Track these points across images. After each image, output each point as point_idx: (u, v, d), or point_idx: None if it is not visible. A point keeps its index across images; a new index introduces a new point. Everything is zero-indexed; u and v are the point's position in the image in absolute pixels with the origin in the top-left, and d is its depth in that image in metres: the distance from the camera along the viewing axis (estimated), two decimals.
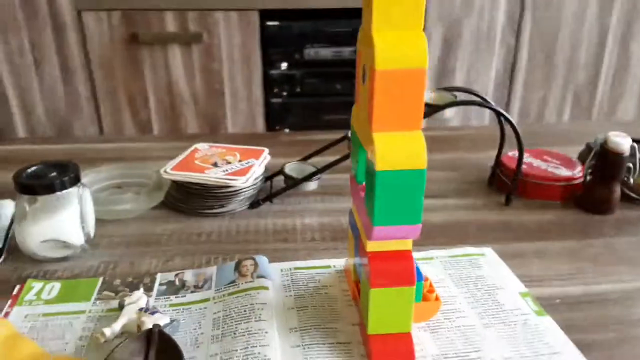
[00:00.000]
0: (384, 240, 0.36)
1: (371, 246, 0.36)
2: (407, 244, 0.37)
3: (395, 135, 0.33)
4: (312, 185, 0.62)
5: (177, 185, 0.59)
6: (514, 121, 0.57)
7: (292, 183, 0.60)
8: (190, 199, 0.58)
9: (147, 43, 1.59)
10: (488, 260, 0.50)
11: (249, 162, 0.60)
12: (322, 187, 0.64)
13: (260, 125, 1.75)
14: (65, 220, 0.48)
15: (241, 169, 0.58)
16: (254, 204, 0.60)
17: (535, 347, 0.39)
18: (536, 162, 0.65)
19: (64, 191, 0.47)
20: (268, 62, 1.68)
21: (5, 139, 1.67)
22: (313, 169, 0.61)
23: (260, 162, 0.61)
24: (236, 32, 1.62)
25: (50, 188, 0.47)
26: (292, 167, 0.62)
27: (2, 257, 0.49)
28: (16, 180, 0.47)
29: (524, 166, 0.63)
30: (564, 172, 0.62)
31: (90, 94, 1.64)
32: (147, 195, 0.58)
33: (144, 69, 1.62)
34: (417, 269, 0.40)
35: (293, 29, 1.65)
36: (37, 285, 0.46)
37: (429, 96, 0.61)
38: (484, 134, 0.84)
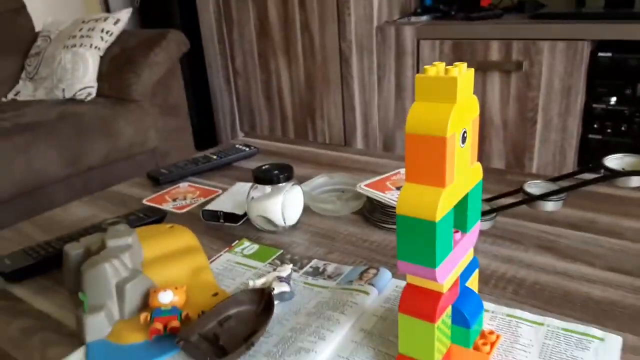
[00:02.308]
0: (415, 276, 0.41)
1: (411, 279, 0.42)
2: (440, 287, 0.41)
3: (419, 188, 0.39)
4: (485, 225, 0.65)
5: (369, 199, 0.72)
6: None
7: None
8: (373, 212, 0.70)
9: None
10: (602, 347, 0.45)
11: None
12: (496, 229, 0.66)
13: (570, 159, 1.65)
14: (272, 205, 0.68)
15: None
16: None
17: None
18: None
19: (275, 185, 0.68)
20: (593, 95, 1.55)
21: (347, 144, 2.09)
22: (487, 208, 0.64)
23: None
24: (560, 61, 1.57)
25: (267, 181, 0.68)
26: None
27: (242, 221, 0.74)
28: (253, 172, 0.69)
29: None
30: None
31: None
32: (346, 202, 0.73)
33: None
34: (474, 318, 0.43)
35: (629, 62, 1.48)
36: (246, 243, 0.68)
37: (623, 161, 0.55)
38: None
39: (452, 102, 0.37)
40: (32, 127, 1.51)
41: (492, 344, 0.44)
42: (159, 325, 0.49)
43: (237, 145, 1.04)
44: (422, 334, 0.41)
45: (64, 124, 1.58)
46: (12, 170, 1.43)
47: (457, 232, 0.43)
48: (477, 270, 0.48)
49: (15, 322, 0.55)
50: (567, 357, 0.44)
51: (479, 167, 0.44)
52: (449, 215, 0.39)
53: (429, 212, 0.38)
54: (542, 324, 0.49)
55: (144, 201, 0.84)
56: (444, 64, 0.39)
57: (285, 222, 0.69)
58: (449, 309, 0.43)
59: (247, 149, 1.01)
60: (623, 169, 0.55)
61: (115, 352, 0.48)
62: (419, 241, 0.39)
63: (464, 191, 0.41)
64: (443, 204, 0.38)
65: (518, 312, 0.51)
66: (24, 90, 1.91)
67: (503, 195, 0.66)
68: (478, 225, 0.45)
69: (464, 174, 0.41)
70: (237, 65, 2.33)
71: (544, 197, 0.58)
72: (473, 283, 0.47)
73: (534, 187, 0.61)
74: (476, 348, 0.44)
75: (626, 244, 0.62)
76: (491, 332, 0.45)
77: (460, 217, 0.43)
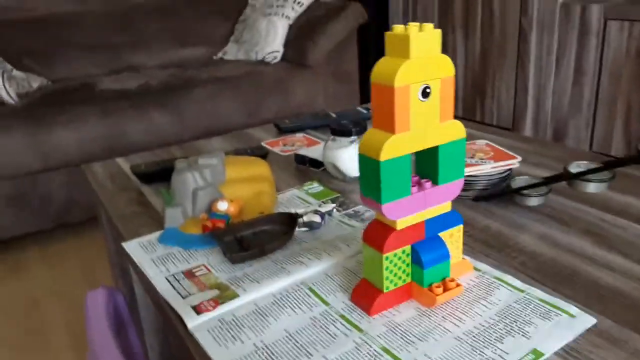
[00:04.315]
0: (377, 213, 0.47)
1: (378, 216, 0.48)
2: (393, 224, 0.46)
3: (377, 132, 0.44)
4: (534, 200, 0.64)
5: None
6: None
7: (503, 190, 0.65)
8: None
9: None
10: (566, 322, 0.45)
11: (487, 162, 0.69)
12: (549, 208, 0.64)
13: None
14: (341, 154, 0.77)
15: (468, 164, 0.69)
16: (478, 198, 0.69)
17: None
18: None
19: (347, 137, 0.76)
20: None
21: (515, 128, 1.99)
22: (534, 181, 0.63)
23: (497, 165, 0.68)
24: None
25: (339, 133, 0.77)
26: (521, 180, 0.66)
27: (323, 168, 0.84)
28: (331, 127, 0.79)
29: None
30: None
31: (592, 98, 1.71)
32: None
33: None
34: (431, 262, 0.47)
35: None
36: (315, 184, 0.78)
37: None
38: None
39: (406, 57, 0.42)
40: (222, 80, 1.82)
41: (447, 290, 0.48)
42: (209, 224, 0.64)
43: (358, 108, 1.13)
44: (375, 263, 0.48)
45: (247, 81, 1.85)
46: (201, 113, 1.76)
47: (427, 181, 0.47)
48: (460, 227, 0.51)
49: (131, 207, 0.76)
50: (522, 320, 0.46)
51: (456, 126, 0.47)
52: (401, 160, 0.44)
53: (376, 152, 0.43)
54: (522, 291, 0.50)
55: (262, 143, 1.00)
56: (417, 24, 0.43)
57: (351, 172, 0.78)
58: (407, 248, 0.48)
59: (366, 111, 1.10)
60: None
61: (179, 236, 0.64)
62: (371, 177, 0.45)
63: (426, 143, 0.45)
64: (390, 147, 0.43)
65: (508, 278, 0.52)
66: (231, 51, 2.26)
67: (553, 177, 0.64)
68: (456, 183, 0.48)
69: (428, 127, 0.45)
70: None
71: (579, 176, 0.56)
72: (453, 237, 0.51)
73: (575, 167, 0.58)
74: (431, 290, 0.48)
75: None
76: (452, 280, 0.48)
77: (430, 168, 0.47)
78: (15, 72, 1.77)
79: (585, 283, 0.51)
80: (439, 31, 0.43)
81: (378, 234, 0.47)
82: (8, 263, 1.64)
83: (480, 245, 0.59)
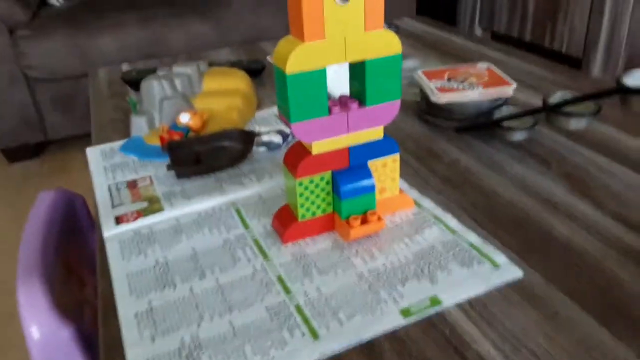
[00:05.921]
0: (297, 135, 0.43)
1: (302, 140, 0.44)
2: (309, 147, 0.42)
3: (291, 40, 0.39)
4: (517, 134, 0.57)
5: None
6: None
7: (483, 122, 0.58)
8: (420, 101, 0.67)
9: None
10: (486, 270, 0.40)
11: (476, 87, 0.61)
12: (535, 144, 0.57)
13: None
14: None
15: (453, 88, 0.61)
16: (459, 129, 0.62)
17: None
18: None
19: None
20: None
21: (585, 56, 1.78)
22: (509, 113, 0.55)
23: (485, 92, 0.60)
24: None
25: None
26: (506, 110, 0.58)
27: None
28: None
29: None
30: None
31: None
32: (404, 87, 0.71)
33: None
34: (350, 192, 0.43)
35: None
36: None
37: None
38: None
39: None
40: None
41: (366, 222, 0.43)
42: (165, 135, 0.62)
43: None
44: (292, 187, 0.44)
45: None
46: (240, 24, 1.71)
47: (354, 102, 0.42)
48: (395, 156, 0.45)
49: (113, 114, 0.75)
50: (438, 264, 0.41)
51: (388, 38, 0.40)
52: (314, 74, 0.39)
53: (284, 63, 0.39)
54: (454, 232, 0.45)
55: (268, 57, 0.96)
56: None
57: (333, 91, 0.72)
58: (327, 175, 0.44)
59: (387, 26, 1.01)
60: None
61: (140, 146, 0.63)
62: (282, 92, 0.40)
63: (347, 56, 0.39)
64: (298, 58, 0.38)
65: (447, 217, 0.47)
66: None
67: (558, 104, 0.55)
68: (390, 105, 0.43)
69: (350, 37, 0.39)
70: None
71: (556, 108, 0.48)
72: (387, 167, 0.46)
73: (559, 98, 0.50)
74: (348, 222, 0.44)
75: None
76: (374, 214, 0.44)
77: (359, 87, 0.42)
78: None
79: (533, 232, 0.45)
80: None
81: (295, 157, 0.43)
82: (55, 163, 1.75)
83: (438, 180, 0.53)
